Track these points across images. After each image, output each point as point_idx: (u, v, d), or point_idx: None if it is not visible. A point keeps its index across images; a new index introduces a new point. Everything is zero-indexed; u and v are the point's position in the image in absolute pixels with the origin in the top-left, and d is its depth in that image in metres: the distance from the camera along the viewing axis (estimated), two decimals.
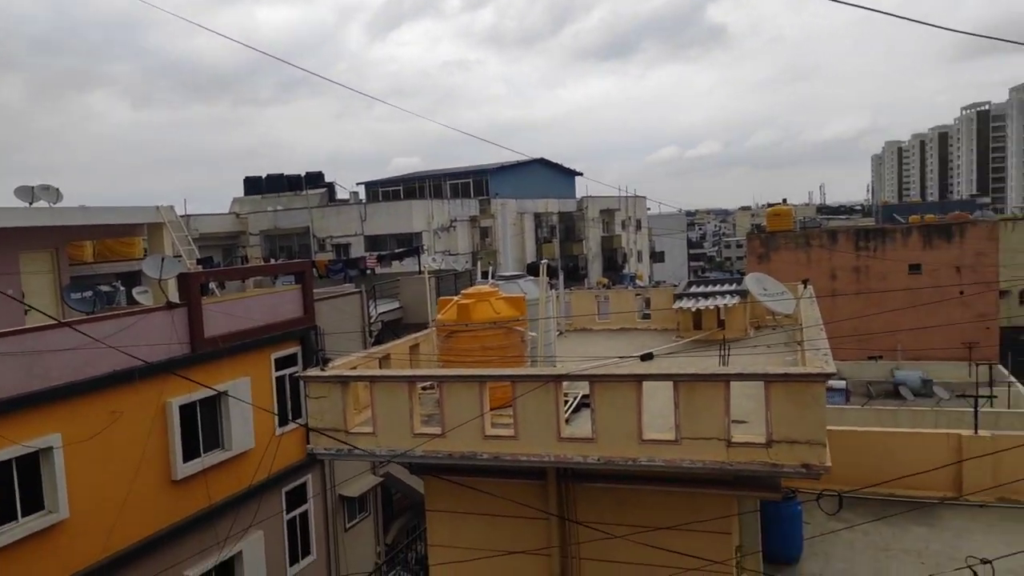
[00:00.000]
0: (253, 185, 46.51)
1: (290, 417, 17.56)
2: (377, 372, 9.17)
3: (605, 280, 47.52)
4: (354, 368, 9.19)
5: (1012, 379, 26.19)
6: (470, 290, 10.45)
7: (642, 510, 8.12)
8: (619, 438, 7.65)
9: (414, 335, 11.33)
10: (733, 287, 14.05)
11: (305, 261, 23.15)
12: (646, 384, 7.63)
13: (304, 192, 43.33)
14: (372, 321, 21.05)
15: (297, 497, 17.91)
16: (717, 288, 14.25)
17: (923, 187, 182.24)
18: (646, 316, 15.57)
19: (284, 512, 17.39)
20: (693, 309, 13.43)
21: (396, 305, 23.35)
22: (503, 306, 10.01)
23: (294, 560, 17.67)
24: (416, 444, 8.22)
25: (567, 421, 8.37)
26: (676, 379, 7.50)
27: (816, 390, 7.19)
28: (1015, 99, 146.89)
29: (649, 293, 16.29)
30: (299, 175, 46.56)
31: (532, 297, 11.37)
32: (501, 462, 8.06)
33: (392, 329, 21.86)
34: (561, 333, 14.47)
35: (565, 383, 8.25)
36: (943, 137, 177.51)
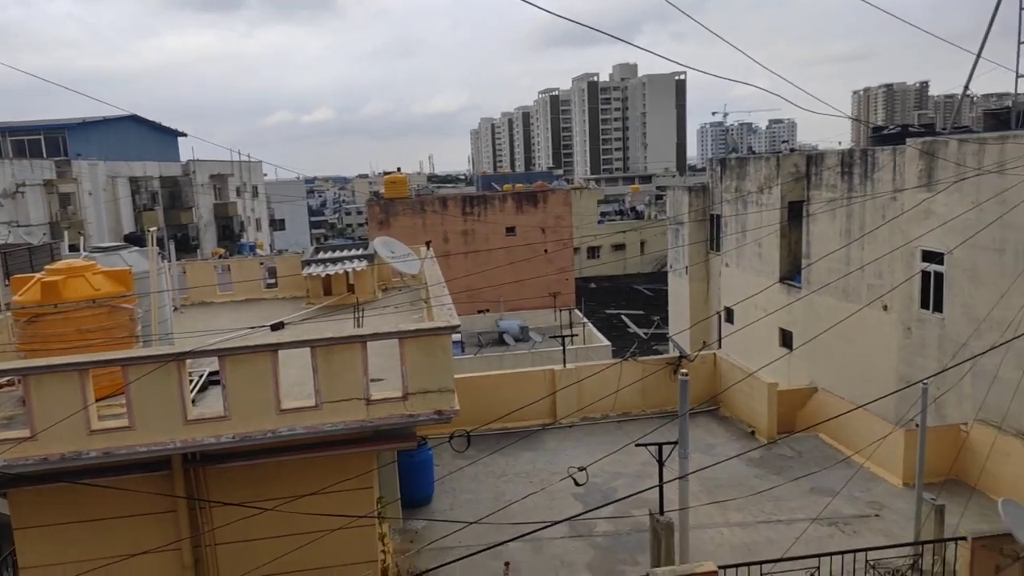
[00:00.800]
0: None
1: None
2: None
3: (222, 250, 44.37)
4: None
5: (585, 320, 31.82)
6: (58, 265, 8.82)
7: (283, 482, 7.87)
8: (255, 412, 7.30)
9: None
10: (360, 252, 14.30)
11: None
12: (282, 353, 7.38)
13: None
14: None
15: None
16: (344, 253, 14.35)
17: (512, 159, 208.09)
18: (271, 285, 15.00)
19: None
20: (323, 275, 13.35)
21: None
22: (103, 281, 8.69)
23: None
24: None
25: (193, 402, 7.67)
26: (313, 344, 7.40)
27: (444, 341, 7.77)
28: (576, 88, 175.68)
29: (275, 261, 15.68)
30: None
31: (140, 270, 10.07)
32: (114, 458, 7.04)
33: None
34: (177, 309, 13.12)
35: (189, 361, 7.52)
36: (526, 117, 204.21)
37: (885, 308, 17.43)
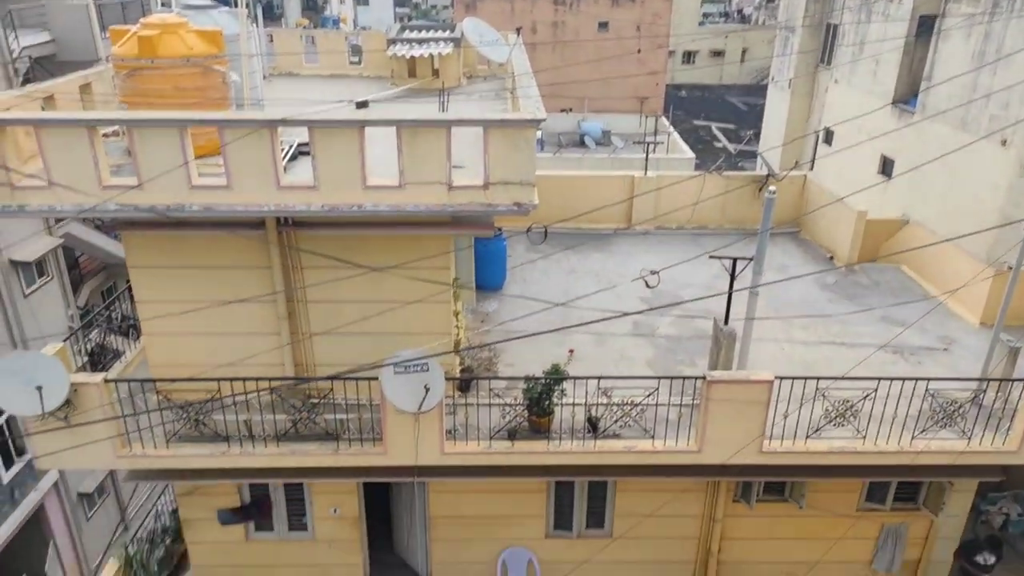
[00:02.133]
0: None
1: None
2: (45, 115, 7.59)
3: (306, 21, 43.33)
4: (8, 109, 7.47)
5: (671, 129, 30.60)
6: (152, 19, 8.78)
7: (368, 253, 8.29)
8: (343, 185, 7.50)
9: (83, 72, 9.42)
10: (447, 35, 13.72)
11: None
12: (368, 131, 7.40)
13: None
14: (16, 57, 17.00)
15: None
16: (431, 35, 13.80)
17: None
18: (355, 62, 14.74)
19: None
20: (408, 56, 12.96)
21: (47, 38, 18.95)
22: (196, 41, 8.65)
23: None
24: (107, 197, 7.20)
25: (285, 170, 7.92)
26: (400, 124, 7.37)
27: (528, 134, 7.61)
28: None
29: (359, 38, 15.26)
30: None
31: (230, 32, 9.96)
32: (214, 213, 7.49)
33: (44, 67, 17.95)
34: (265, 77, 13.13)
35: (280, 129, 7.65)
36: None
37: (1004, 143, 16.00)
